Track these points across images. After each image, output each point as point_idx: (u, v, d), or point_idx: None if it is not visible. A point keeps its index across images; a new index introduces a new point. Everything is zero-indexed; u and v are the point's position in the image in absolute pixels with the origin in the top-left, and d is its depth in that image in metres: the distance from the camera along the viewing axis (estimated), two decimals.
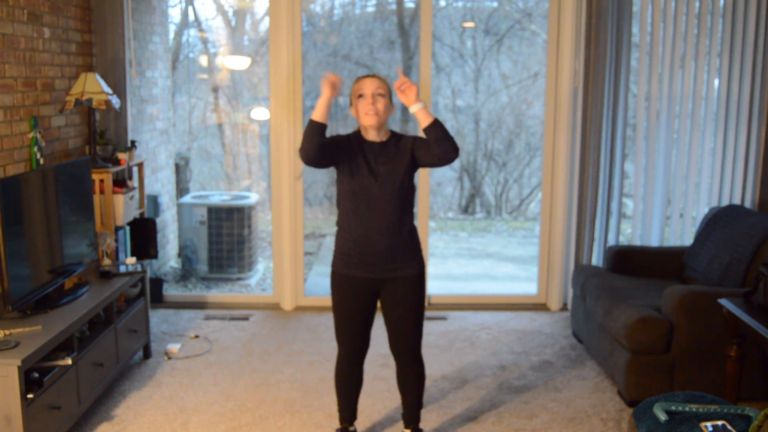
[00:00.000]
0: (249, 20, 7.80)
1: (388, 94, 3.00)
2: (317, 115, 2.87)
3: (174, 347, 4.39)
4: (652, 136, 4.96)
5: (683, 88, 4.92)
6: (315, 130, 2.85)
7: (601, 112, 4.84)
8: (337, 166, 3.01)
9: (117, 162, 4.56)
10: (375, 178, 2.96)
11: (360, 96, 2.96)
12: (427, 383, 3.88)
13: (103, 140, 4.70)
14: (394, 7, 8.00)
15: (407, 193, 3.04)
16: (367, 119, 2.95)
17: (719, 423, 2.52)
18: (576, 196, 4.98)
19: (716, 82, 4.91)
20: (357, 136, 3.04)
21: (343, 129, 7.54)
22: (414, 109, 2.90)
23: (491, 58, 8.41)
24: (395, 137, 3.06)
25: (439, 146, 2.89)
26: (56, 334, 3.15)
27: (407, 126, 7.73)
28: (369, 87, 2.95)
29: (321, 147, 2.88)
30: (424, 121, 2.89)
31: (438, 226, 8.61)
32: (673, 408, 2.64)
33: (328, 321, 4.95)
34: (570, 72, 4.91)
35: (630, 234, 5.16)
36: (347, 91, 3.06)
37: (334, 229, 3.12)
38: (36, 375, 3.03)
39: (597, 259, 5.01)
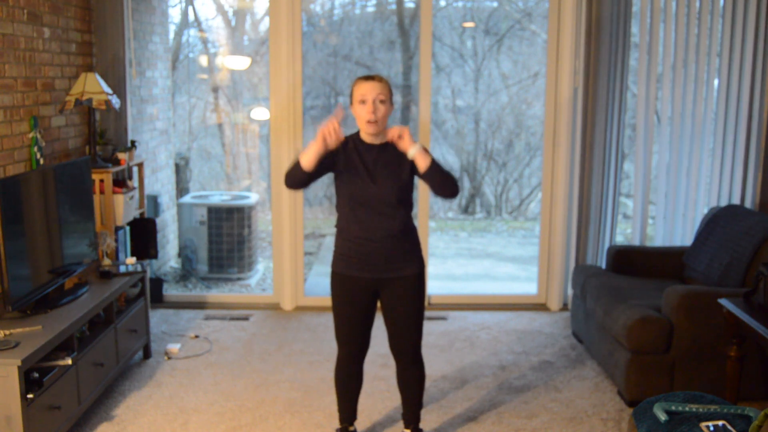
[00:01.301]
0: (249, 20, 7.80)
1: (389, 98, 2.99)
2: (305, 161, 2.86)
3: (174, 347, 4.39)
4: (652, 136, 4.96)
5: (683, 88, 4.92)
6: (299, 174, 2.89)
7: (601, 112, 4.84)
8: (336, 172, 3.01)
9: (117, 162, 4.56)
10: (374, 182, 2.96)
11: (362, 102, 2.94)
12: (427, 383, 3.88)
13: (103, 140, 4.70)
14: (394, 7, 8.00)
15: (407, 195, 3.04)
16: (367, 127, 2.95)
17: (719, 423, 2.52)
18: (576, 196, 4.98)
19: (716, 82, 4.91)
20: (356, 138, 3.03)
21: (343, 129, 7.54)
22: (412, 152, 2.91)
23: (491, 58, 8.41)
24: None
25: (438, 190, 2.95)
26: (56, 334, 3.15)
27: (407, 126, 7.73)
28: (371, 93, 2.92)
29: (303, 184, 2.95)
30: (422, 165, 2.91)
31: (438, 226, 8.61)
32: (673, 408, 2.64)
33: (328, 321, 4.95)
34: (570, 72, 4.91)
35: (630, 234, 5.16)
36: (347, 90, 3.05)
37: (334, 229, 3.12)
38: (36, 375, 3.03)
39: (597, 259, 5.02)
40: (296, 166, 2.88)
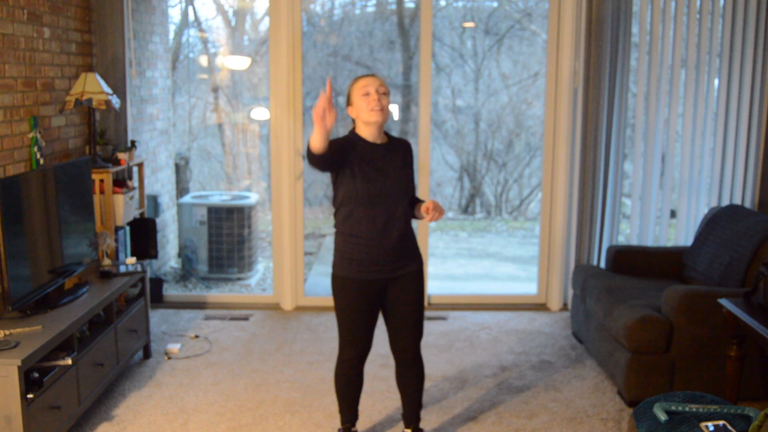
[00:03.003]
0: (249, 20, 7.80)
1: (388, 93, 3.00)
2: (314, 146, 2.75)
3: (174, 347, 4.39)
4: (652, 136, 4.96)
5: (683, 88, 4.92)
6: (314, 158, 2.80)
7: (601, 112, 4.84)
8: (341, 171, 2.96)
9: (117, 162, 4.56)
10: (388, 181, 2.96)
11: (365, 94, 2.94)
12: (427, 383, 3.88)
13: (103, 140, 4.70)
14: (394, 7, 8.00)
15: (411, 192, 3.07)
16: (373, 116, 2.92)
17: (719, 423, 2.52)
18: (576, 196, 4.98)
19: (716, 82, 4.91)
20: (358, 139, 3.00)
21: (344, 129, 7.53)
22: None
23: (491, 58, 8.41)
24: (392, 139, 3.07)
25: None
26: (56, 334, 3.15)
27: (407, 126, 7.74)
28: (373, 85, 2.94)
29: (324, 165, 2.86)
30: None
31: (438, 226, 8.61)
32: (673, 408, 2.64)
33: (328, 321, 4.95)
34: (570, 72, 4.91)
35: (629, 234, 5.17)
36: (347, 91, 3.04)
37: (334, 229, 3.10)
38: (36, 375, 3.03)
39: (597, 259, 5.01)
40: (309, 151, 2.81)
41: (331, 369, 4.09)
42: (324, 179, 7.79)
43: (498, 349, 4.50)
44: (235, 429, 3.47)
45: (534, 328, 4.85)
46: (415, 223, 3.18)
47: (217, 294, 5.64)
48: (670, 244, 5.15)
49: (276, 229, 5.27)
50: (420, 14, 5.00)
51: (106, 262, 4.15)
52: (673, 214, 5.21)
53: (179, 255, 6.40)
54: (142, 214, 4.86)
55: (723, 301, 3.33)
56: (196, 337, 4.66)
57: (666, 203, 5.08)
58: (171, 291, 5.69)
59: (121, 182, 4.60)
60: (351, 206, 2.97)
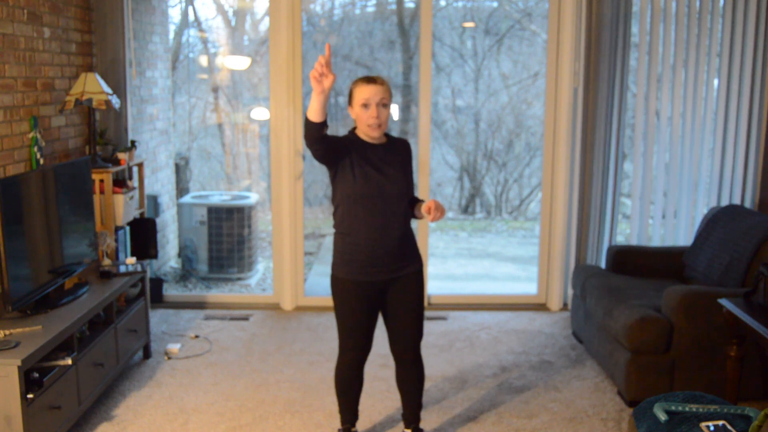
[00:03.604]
0: (249, 20, 7.80)
1: (390, 100, 2.98)
2: (311, 114, 2.74)
3: (174, 347, 4.39)
4: (652, 136, 4.97)
5: (683, 88, 4.92)
6: (311, 128, 2.76)
7: (601, 112, 4.84)
8: (339, 169, 2.96)
9: (117, 162, 4.56)
10: (387, 181, 2.95)
11: (364, 105, 2.92)
12: (427, 383, 3.88)
13: (103, 140, 4.70)
14: (394, 7, 8.00)
15: (410, 192, 3.07)
16: (370, 130, 2.94)
17: (719, 423, 2.52)
18: (576, 196, 4.98)
19: (716, 82, 4.91)
20: (357, 139, 3.00)
21: (344, 129, 7.54)
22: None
23: (491, 58, 8.41)
24: (391, 139, 3.07)
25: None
26: (56, 334, 3.15)
27: (407, 126, 7.74)
28: (374, 97, 2.90)
29: (320, 141, 2.81)
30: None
31: (438, 226, 8.61)
32: (673, 408, 2.64)
33: (328, 321, 4.95)
34: (570, 72, 4.91)
35: (629, 234, 5.17)
36: (347, 91, 3.04)
37: (333, 230, 3.10)
38: (36, 375, 3.03)
39: (597, 259, 5.01)
40: (306, 121, 2.77)
41: (331, 369, 4.09)
42: (324, 179, 7.79)
43: (498, 349, 4.50)
44: (235, 429, 3.47)
45: (534, 328, 4.85)
46: (414, 223, 3.18)
47: (217, 294, 5.64)
48: (670, 244, 5.15)
49: (276, 229, 5.27)
50: (420, 14, 5.00)
51: (106, 262, 4.15)
52: (674, 214, 5.20)
53: (179, 255, 6.40)
54: (142, 214, 4.86)
55: (723, 301, 3.33)
56: (196, 337, 4.66)
57: (666, 203, 5.08)
58: (171, 291, 5.69)
59: (121, 182, 4.60)
60: (350, 206, 2.97)
